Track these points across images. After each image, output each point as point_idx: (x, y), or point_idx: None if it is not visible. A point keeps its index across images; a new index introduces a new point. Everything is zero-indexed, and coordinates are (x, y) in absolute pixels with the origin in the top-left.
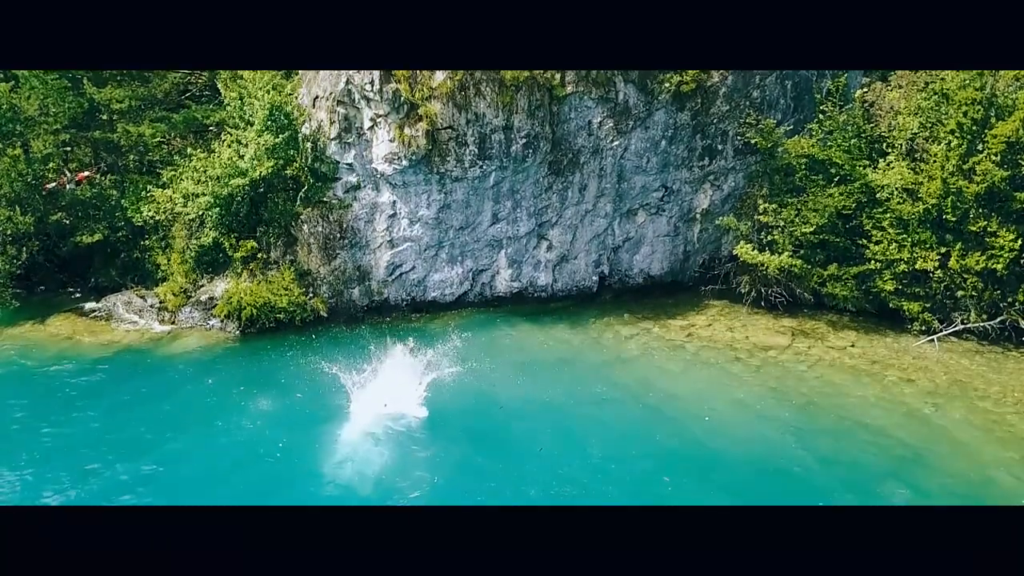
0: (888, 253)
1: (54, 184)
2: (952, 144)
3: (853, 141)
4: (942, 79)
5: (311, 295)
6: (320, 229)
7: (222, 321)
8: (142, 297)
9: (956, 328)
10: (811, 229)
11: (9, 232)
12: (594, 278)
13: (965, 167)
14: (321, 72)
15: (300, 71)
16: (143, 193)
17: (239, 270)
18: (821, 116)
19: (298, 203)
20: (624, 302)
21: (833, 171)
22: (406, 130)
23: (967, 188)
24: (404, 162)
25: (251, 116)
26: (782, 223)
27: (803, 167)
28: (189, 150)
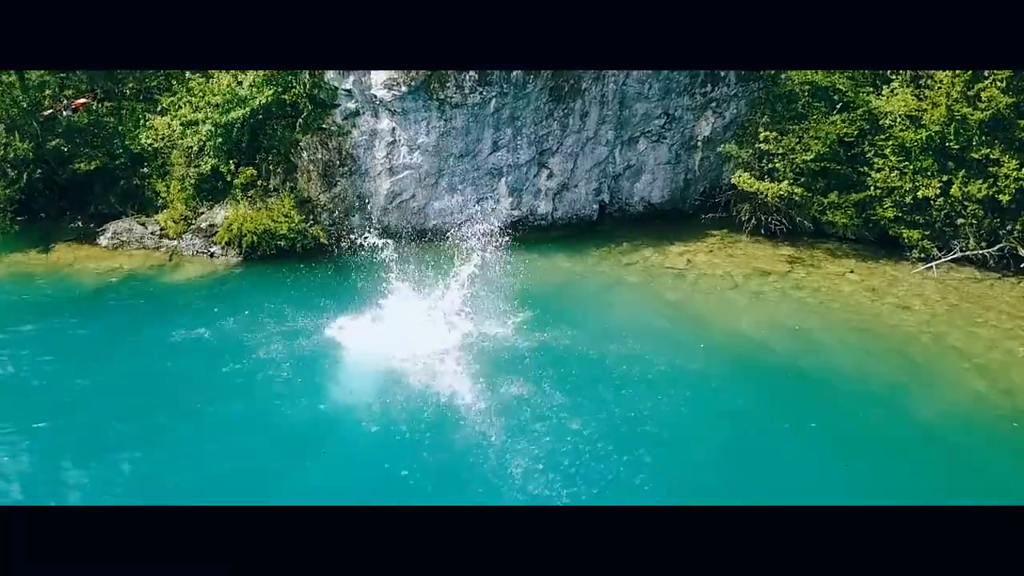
0: (889, 181)
1: (50, 111)
2: (958, 70)
3: None
4: None
5: (311, 222)
6: (320, 156)
7: (223, 248)
8: (143, 224)
9: (955, 255)
10: (812, 157)
11: (9, 157)
12: (594, 206)
13: (970, 94)
14: None
15: None
16: (141, 121)
17: (239, 197)
18: None
19: (297, 130)
20: (624, 230)
21: (836, 98)
22: None
23: (971, 115)
24: (403, 88)
25: None
26: (783, 150)
27: (806, 94)
28: (188, 75)
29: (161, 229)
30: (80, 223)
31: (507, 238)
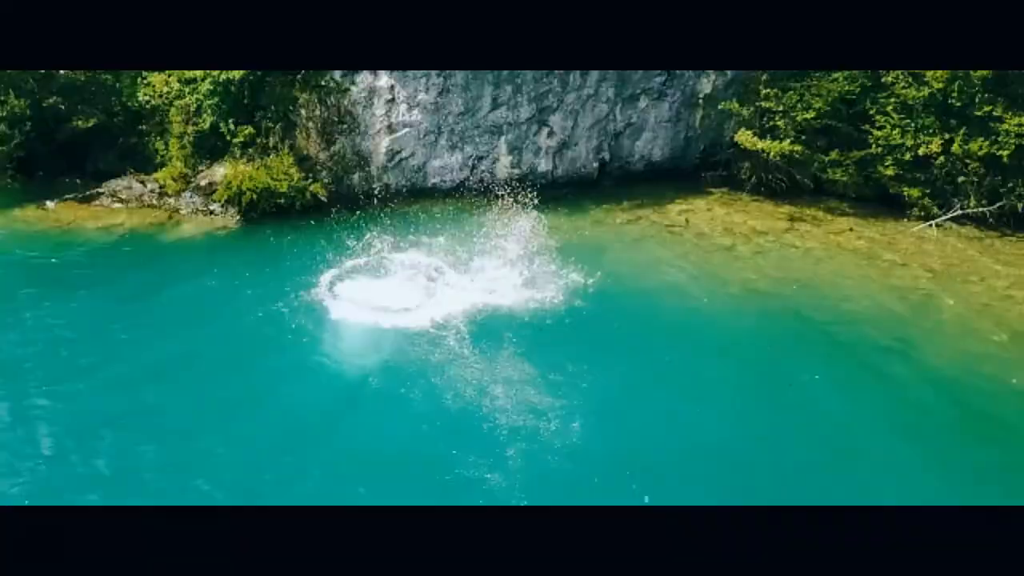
0: (891, 138)
1: None
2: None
3: None
4: None
5: (311, 180)
6: (318, 114)
7: (223, 206)
8: (142, 182)
9: (955, 213)
10: (813, 115)
11: (5, 115)
12: (594, 165)
13: None
14: None
15: None
16: (139, 78)
17: (238, 155)
18: None
19: (296, 87)
20: (624, 189)
21: None
22: None
23: (975, 72)
24: None
25: None
26: (784, 108)
27: None
28: None
29: (160, 187)
30: (79, 181)
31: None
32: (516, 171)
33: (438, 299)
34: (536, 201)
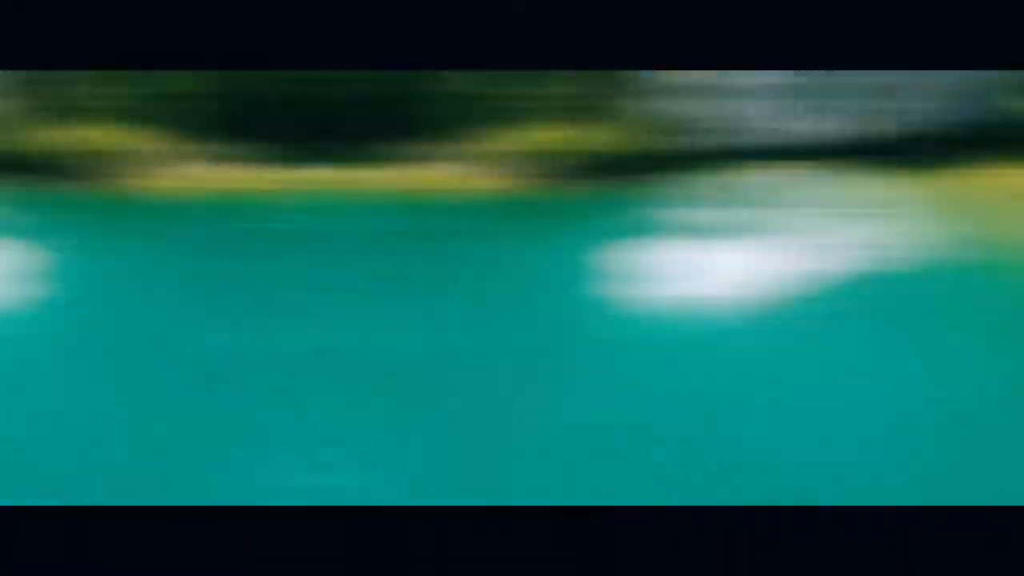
0: None
1: None
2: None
3: None
4: None
5: (633, 141)
6: None
7: (525, 169)
8: (452, 145)
9: None
10: None
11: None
12: (916, 129)
13: None
14: None
15: None
16: None
17: (546, 117)
18: None
19: None
20: (944, 154)
21: None
22: None
23: None
24: None
25: None
26: None
27: None
28: None
29: (458, 152)
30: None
31: None
32: (843, 135)
33: (767, 267)
34: (863, 165)
